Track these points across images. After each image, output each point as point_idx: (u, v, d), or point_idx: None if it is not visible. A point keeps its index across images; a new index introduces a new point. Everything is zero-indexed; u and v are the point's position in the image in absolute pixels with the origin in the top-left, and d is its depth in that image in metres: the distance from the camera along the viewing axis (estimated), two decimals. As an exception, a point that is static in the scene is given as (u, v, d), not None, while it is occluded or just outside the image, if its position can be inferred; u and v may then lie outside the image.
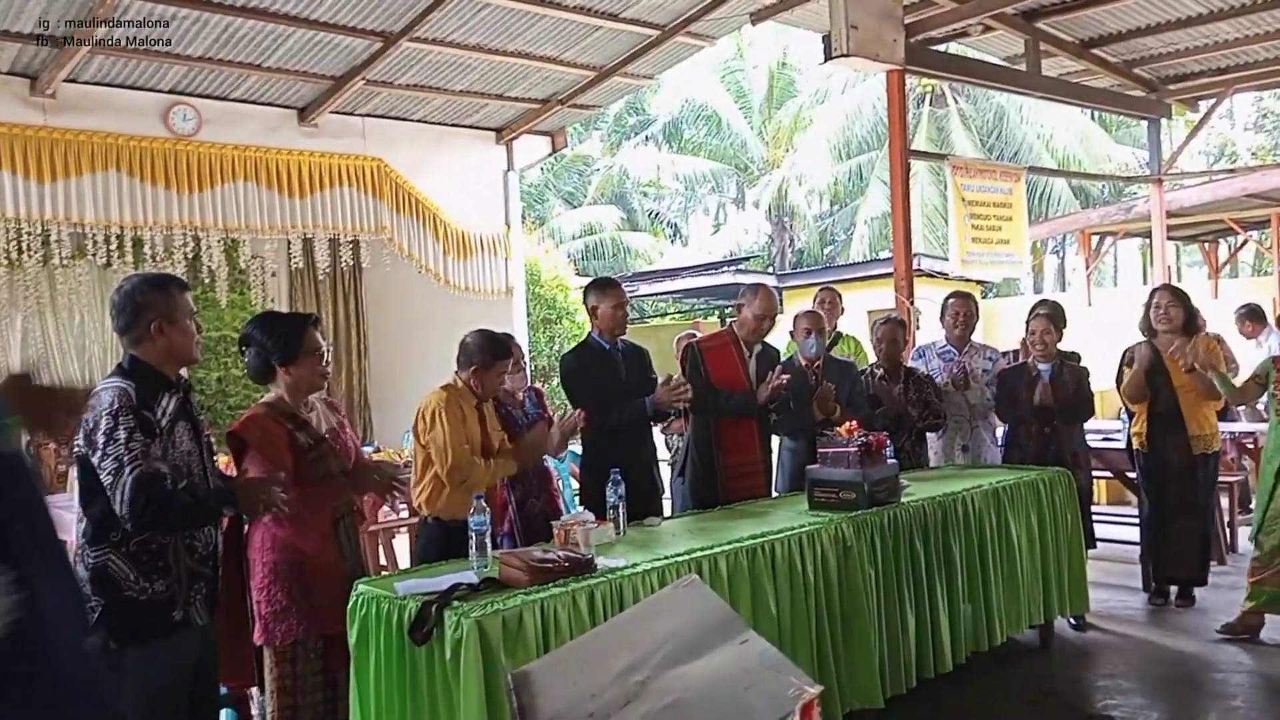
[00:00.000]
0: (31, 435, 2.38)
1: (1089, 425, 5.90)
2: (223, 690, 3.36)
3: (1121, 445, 6.32)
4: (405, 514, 6.45)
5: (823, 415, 4.90)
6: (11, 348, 8.22)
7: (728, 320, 5.49)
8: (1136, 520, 6.11)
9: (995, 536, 4.56)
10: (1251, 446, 7.15)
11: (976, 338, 6.09)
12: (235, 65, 7.63)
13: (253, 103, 8.29)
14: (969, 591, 4.37)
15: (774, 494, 5.03)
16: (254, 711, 3.74)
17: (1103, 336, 7.17)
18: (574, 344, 5.21)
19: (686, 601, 1.58)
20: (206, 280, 8.25)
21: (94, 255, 7.73)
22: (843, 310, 6.46)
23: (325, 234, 8.79)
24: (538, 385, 5.03)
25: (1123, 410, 6.72)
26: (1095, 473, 6.19)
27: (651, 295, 20.77)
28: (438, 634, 2.79)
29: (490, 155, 9.95)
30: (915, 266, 8.38)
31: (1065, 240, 24.81)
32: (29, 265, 7.94)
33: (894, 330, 5.60)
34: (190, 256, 8.13)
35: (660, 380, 4.56)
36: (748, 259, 24.10)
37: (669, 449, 6.21)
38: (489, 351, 3.98)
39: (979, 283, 14.82)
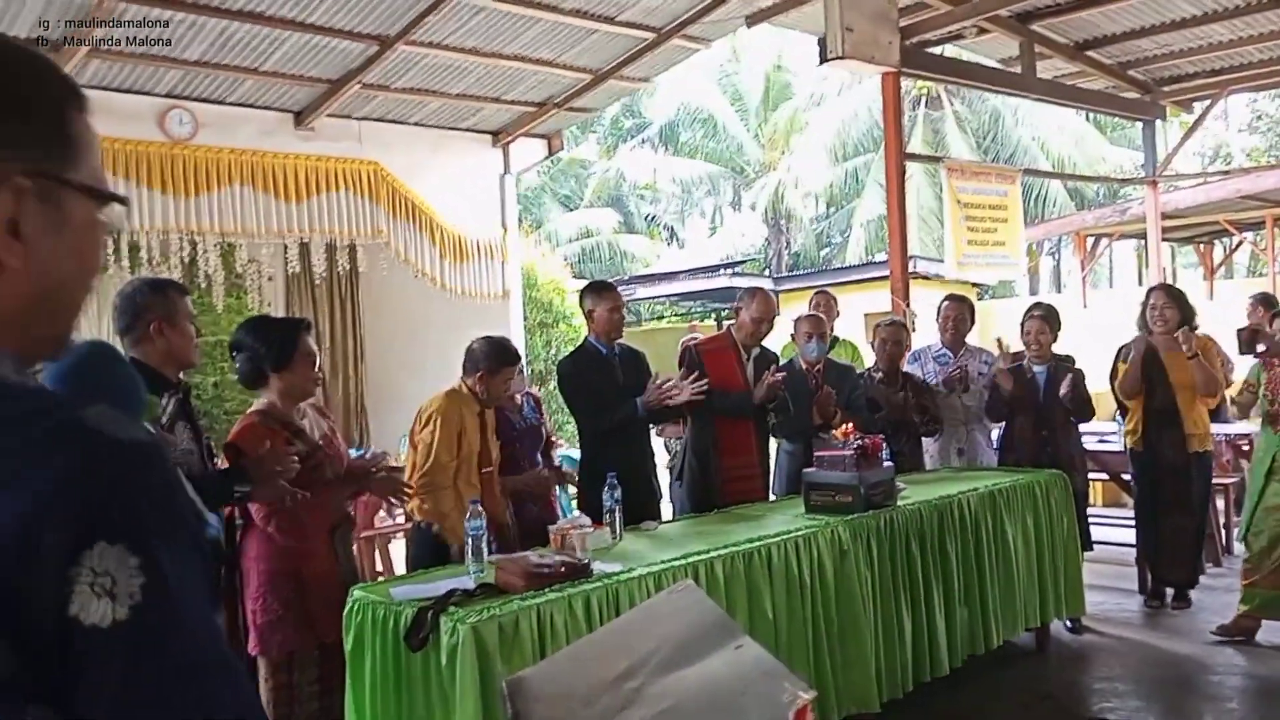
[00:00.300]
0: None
1: (1085, 428, 5.91)
2: None
3: (1117, 447, 6.34)
4: (401, 519, 6.44)
5: (823, 420, 4.91)
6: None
7: (725, 324, 5.49)
8: (1133, 522, 6.12)
9: (991, 539, 4.56)
10: (1247, 448, 7.17)
11: (972, 340, 6.11)
12: (231, 69, 7.63)
13: (249, 106, 8.28)
14: (965, 595, 4.38)
15: (772, 497, 5.04)
16: None
17: (1098, 338, 7.17)
18: (571, 348, 5.22)
19: (681, 606, 1.58)
20: (203, 285, 8.24)
21: (90, 260, 7.72)
22: (838, 313, 6.47)
23: (322, 238, 8.78)
24: (534, 390, 5.04)
25: (1118, 411, 6.74)
26: (1091, 475, 6.20)
27: (648, 298, 20.78)
28: (434, 640, 2.79)
29: (487, 158, 9.94)
30: (911, 269, 8.39)
31: (1061, 242, 24.84)
32: (25, 270, 7.92)
33: (897, 333, 5.61)
34: (186, 261, 8.12)
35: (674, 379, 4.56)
36: (744, 262, 24.13)
37: (668, 452, 6.22)
38: (496, 357, 3.99)
39: (975, 285, 14.85)
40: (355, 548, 5.58)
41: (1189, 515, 5.56)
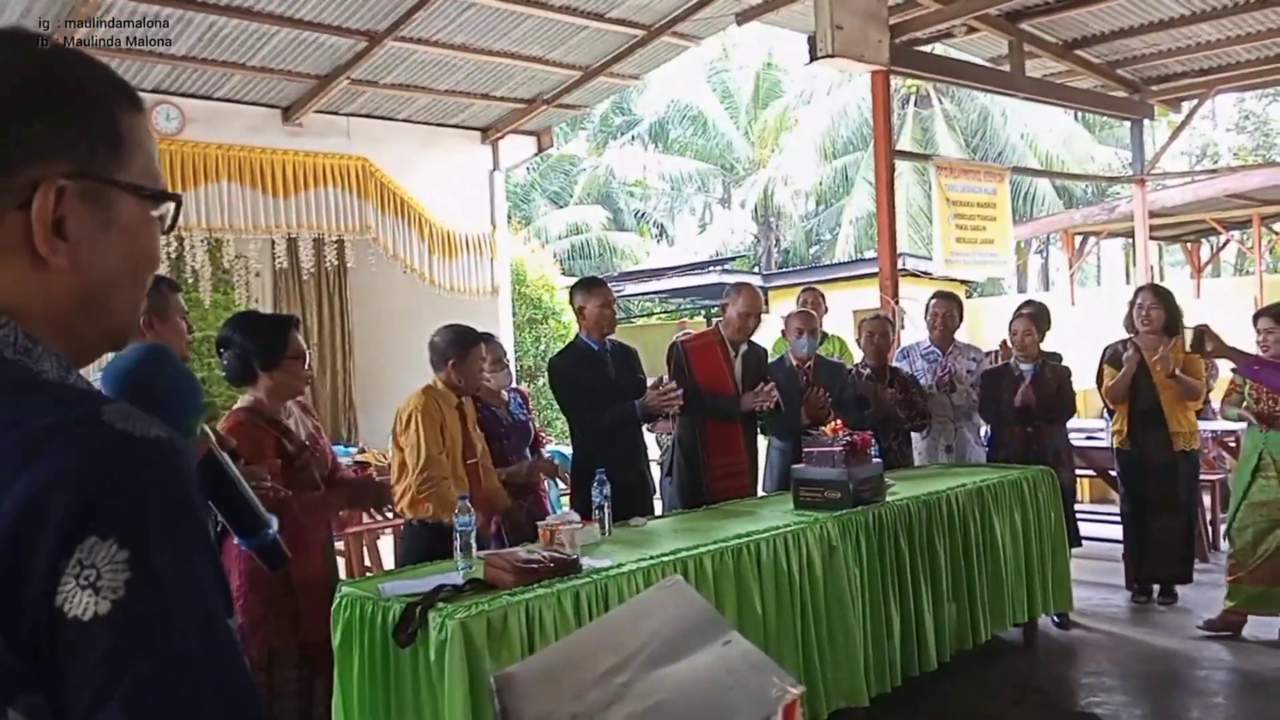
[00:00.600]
0: None
1: (1072, 424, 5.93)
2: None
3: (1104, 444, 6.37)
4: (389, 515, 6.42)
5: (813, 421, 4.90)
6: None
7: (714, 321, 5.48)
8: (1119, 518, 6.15)
9: (979, 535, 4.58)
10: (1233, 445, 7.20)
11: (961, 337, 6.12)
12: (219, 64, 7.59)
13: (237, 102, 8.24)
14: (953, 590, 4.39)
15: (761, 493, 5.04)
16: None
17: (1086, 336, 7.20)
18: (560, 344, 5.21)
19: (670, 602, 1.58)
20: (190, 280, 8.20)
21: (76, 255, 7.68)
22: (826, 309, 6.48)
23: (310, 234, 8.75)
24: (522, 387, 5.03)
25: (1104, 409, 6.77)
26: (1079, 472, 6.22)
27: (638, 295, 20.78)
28: (422, 635, 2.79)
29: (476, 155, 9.92)
30: (900, 266, 8.40)
31: (1049, 240, 24.93)
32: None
33: (882, 326, 5.61)
34: (173, 256, 8.08)
35: (650, 383, 4.56)
36: (734, 259, 24.13)
37: (660, 447, 6.22)
38: (461, 342, 3.97)
39: (963, 282, 14.88)
40: (344, 544, 5.59)
41: (1176, 514, 5.59)
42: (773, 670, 1.34)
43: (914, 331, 7.06)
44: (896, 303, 7.24)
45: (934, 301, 5.93)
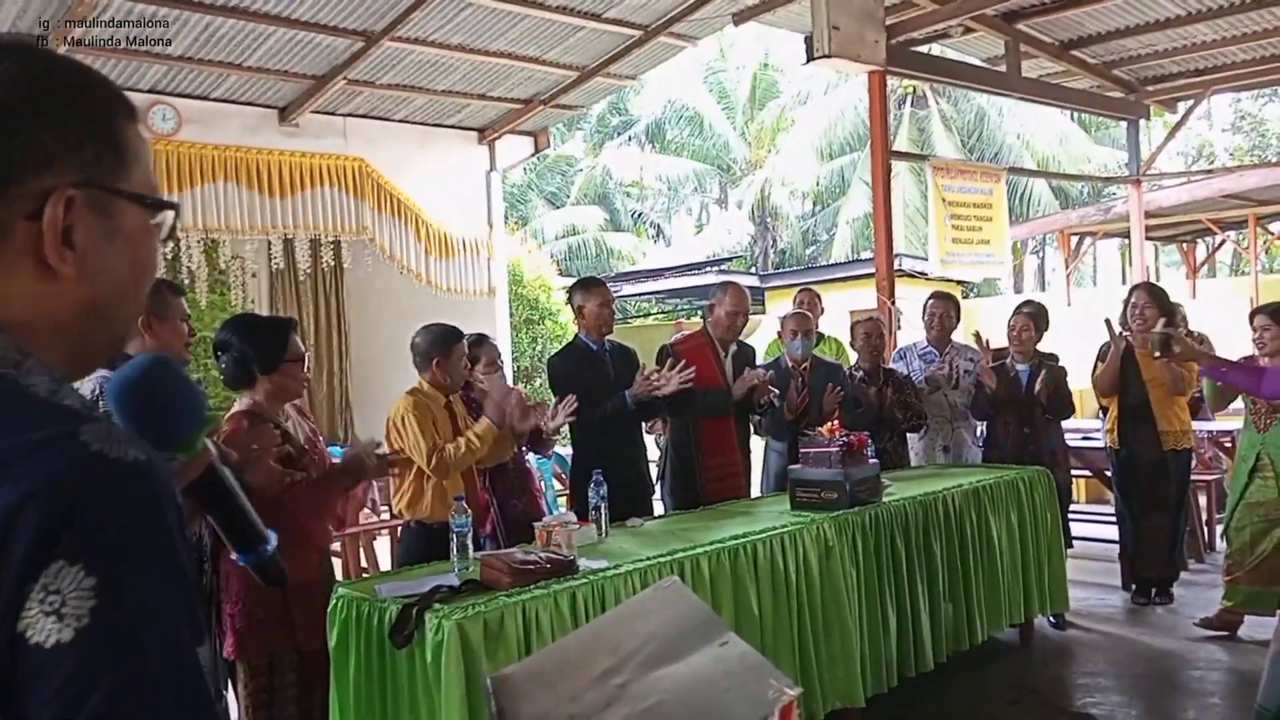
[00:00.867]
0: None
1: (1068, 424, 5.94)
2: None
3: (1100, 444, 6.38)
4: (386, 516, 6.42)
5: (790, 415, 4.89)
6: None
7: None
8: (1115, 518, 6.16)
9: (976, 536, 4.58)
10: (1229, 445, 7.22)
11: (958, 338, 6.12)
12: (216, 64, 7.59)
13: (233, 102, 8.24)
14: (950, 590, 4.40)
15: (756, 493, 5.04)
16: None
17: (1083, 336, 7.19)
18: (557, 345, 5.21)
19: (667, 603, 1.58)
20: (186, 281, 8.19)
21: (72, 256, 7.66)
22: (822, 310, 6.48)
23: (306, 234, 8.74)
24: (519, 388, 5.02)
25: (1100, 409, 6.78)
26: (1075, 471, 6.23)
27: (635, 295, 20.78)
28: (418, 637, 2.78)
29: (472, 155, 9.92)
30: (897, 267, 8.41)
31: (1045, 240, 24.95)
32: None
33: (875, 327, 5.61)
34: (169, 257, 8.07)
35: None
36: (730, 259, 24.13)
37: (659, 448, 6.21)
38: (442, 340, 3.96)
39: (960, 283, 14.89)
40: (340, 545, 5.58)
41: (1165, 513, 5.59)
42: (769, 671, 1.34)
43: (910, 332, 7.06)
44: (893, 303, 7.24)
45: (931, 302, 5.94)
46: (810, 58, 6.55)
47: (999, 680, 4.62)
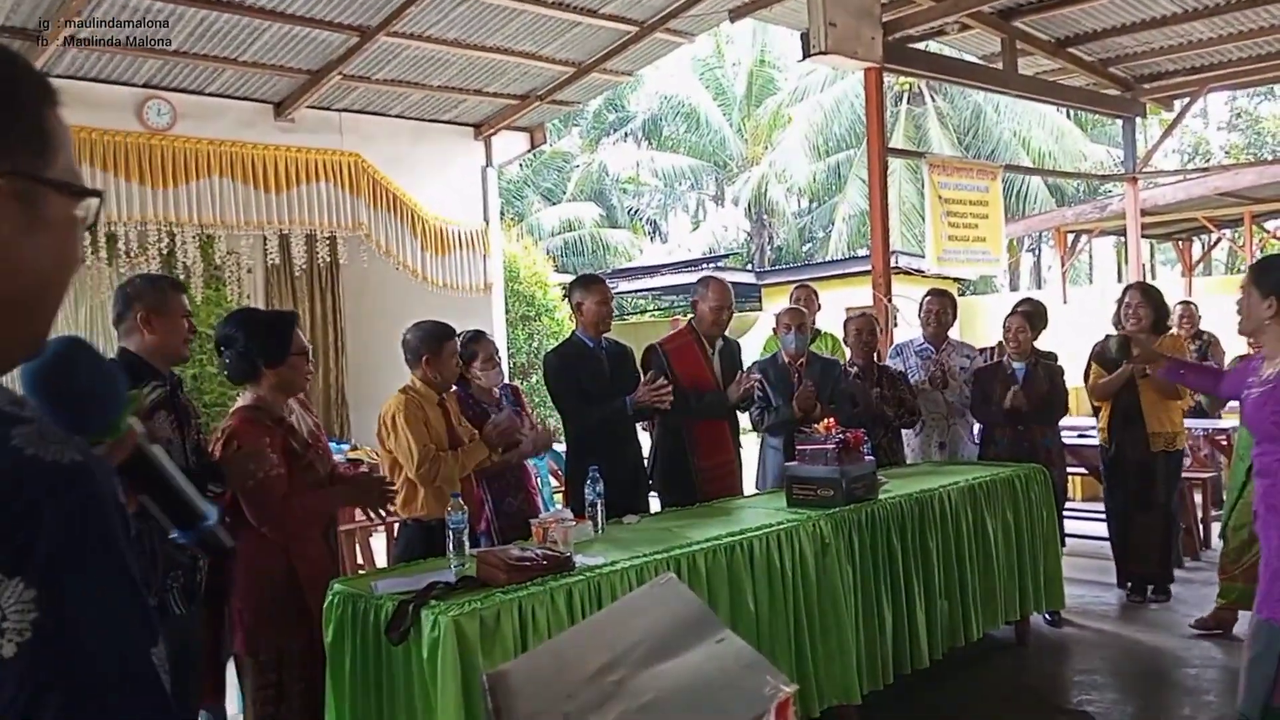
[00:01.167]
0: None
1: (1064, 422, 5.94)
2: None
3: (1095, 442, 6.38)
4: (380, 514, 6.40)
5: (802, 413, 4.88)
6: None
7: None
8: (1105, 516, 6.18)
9: (971, 533, 4.58)
10: (1225, 444, 7.22)
11: (953, 335, 6.13)
12: (211, 59, 7.56)
13: (228, 97, 8.21)
14: (946, 588, 4.40)
15: (752, 490, 5.04)
16: None
17: (1078, 334, 7.20)
18: (553, 341, 5.20)
19: (663, 600, 1.57)
20: (181, 276, 8.17)
21: (67, 251, 7.64)
22: (819, 307, 6.48)
23: (302, 230, 8.72)
24: (515, 383, 5.01)
25: (1093, 407, 6.79)
26: (1070, 470, 6.23)
27: (631, 292, 20.78)
28: (414, 633, 2.78)
29: (469, 151, 9.90)
30: (893, 264, 8.41)
31: (1041, 238, 25.00)
32: (0, 261, 7.84)
33: (868, 324, 5.60)
34: (165, 252, 8.05)
35: (643, 380, 4.54)
36: (727, 256, 24.17)
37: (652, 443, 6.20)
38: (433, 338, 3.96)
39: (956, 280, 14.91)
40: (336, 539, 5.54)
41: (1155, 515, 5.59)
42: (765, 668, 1.34)
43: (907, 329, 7.06)
44: (889, 300, 7.25)
45: (928, 299, 5.94)
46: (807, 54, 6.54)
47: (994, 678, 4.63)
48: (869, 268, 7.76)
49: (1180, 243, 16.59)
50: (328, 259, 9.37)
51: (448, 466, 3.78)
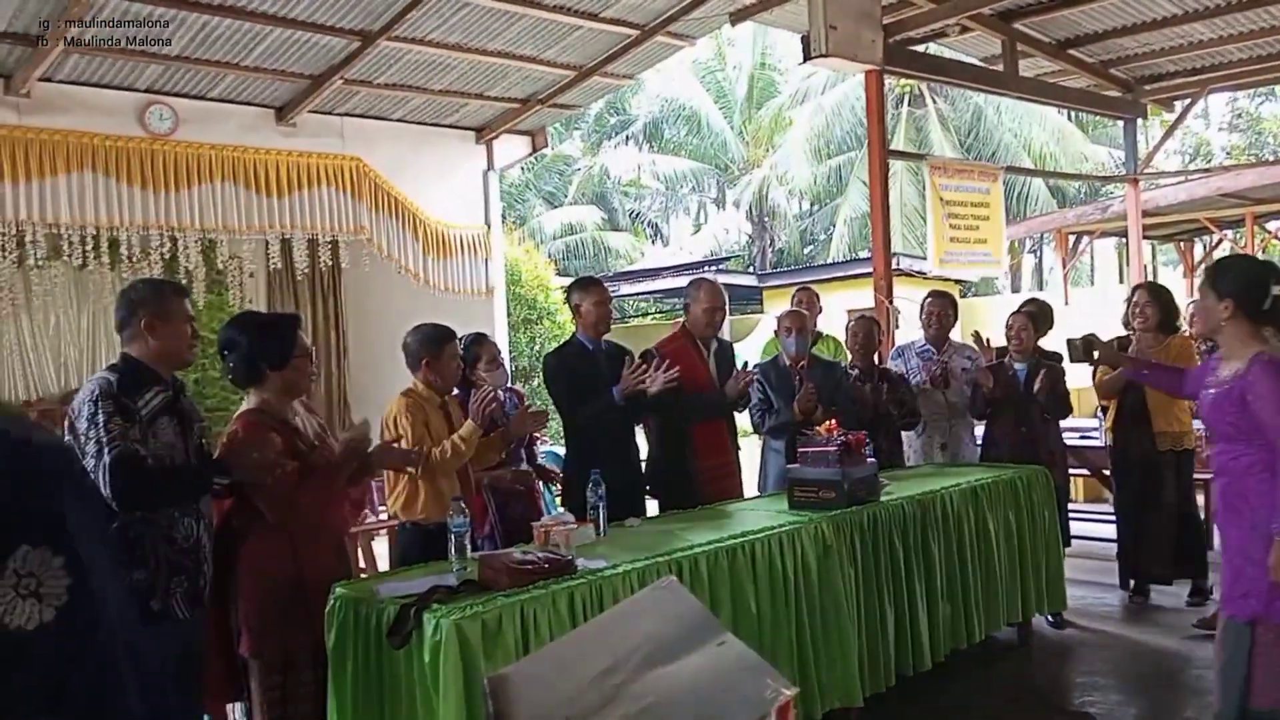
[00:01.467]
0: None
1: (1066, 423, 5.93)
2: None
3: (1098, 442, 6.38)
4: (385, 517, 6.41)
5: (803, 415, 4.88)
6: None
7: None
8: (1113, 518, 6.16)
9: (973, 534, 4.58)
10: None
11: (955, 337, 6.13)
12: (212, 64, 7.57)
13: (230, 102, 8.23)
14: (947, 589, 4.39)
15: (753, 492, 5.04)
16: None
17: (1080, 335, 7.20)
18: (555, 344, 5.20)
19: (664, 603, 1.58)
20: (184, 281, 8.18)
21: (70, 256, 7.65)
22: (820, 309, 6.48)
23: (304, 234, 8.73)
24: (517, 387, 5.02)
25: (1098, 408, 6.78)
26: (1072, 471, 6.22)
27: (633, 295, 20.79)
28: (416, 637, 2.78)
29: (470, 155, 9.91)
30: (894, 266, 8.41)
31: (1042, 239, 24.98)
32: (3, 267, 7.86)
33: (867, 326, 5.60)
34: (167, 257, 8.06)
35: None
36: (728, 259, 24.16)
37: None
38: (433, 340, 3.96)
39: (958, 282, 14.91)
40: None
41: (1161, 513, 5.57)
42: (766, 671, 1.35)
43: (909, 331, 7.06)
44: (891, 302, 7.25)
45: (929, 300, 5.94)
46: (807, 57, 6.54)
47: (997, 679, 4.62)
48: (870, 270, 7.76)
49: (1182, 244, 16.57)
50: (330, 263, 9.37)
51: (444, 455, 3.77)
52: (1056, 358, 5.70)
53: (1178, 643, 5.00)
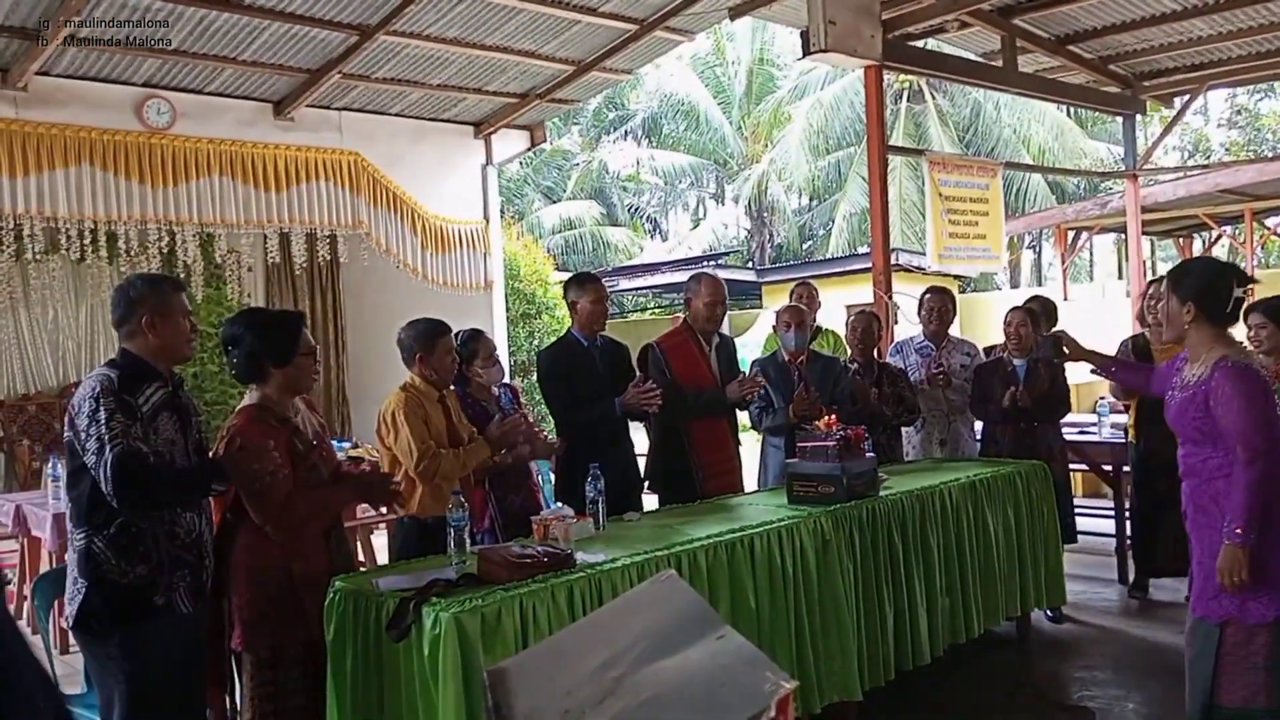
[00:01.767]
0: None
1: (1065, 419, 5.92)
2: None
3: (1096, 438, 6.37)
4: (383, 510, 6.40)
5: (797, 418, 4.86)
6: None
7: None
8: (1112, 513, 6.16)
9: (972, 530, 4.58)
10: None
11: (954, 332, 6.12)
12: (210, 58, 7.56)
13: (228, 96, 8.22)
14: (946, 584, 4.40)
15: (753, 489, 5.03)
16: None
17: (1079, 331, 7.19)
18: (553, 339, 5.19)
19: (663, 597, 1.58)
20: (182, 275, 8.18)
21: (68, 250, 7.65)
22: (819, 305, 6.47)
23: (302, 228, 8.73)
24: (514, 382, 5.01)
25: (1098, 402, 6.77)
26: (1071, 466, 6.21)
27: (631, 290, 20.79)
28: (415, 631, 2.78)
29: (469, 149, 9.91)
30: (893, 261, 8.41)
31: (1041, 235, 24.98)
32: (1, 261, 7.85)
33: (866, 322, 5.59)
34: (165, 251, 8.05)
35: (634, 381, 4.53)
36: (727, 254, 24.17)
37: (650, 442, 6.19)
38: (425, 335, 3.95)
39: (956, 278, 14.91)
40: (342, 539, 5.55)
41: (1178, 509, 5.53)
42: (765, 665, 1.34)
43: (907, 326, 7.06)
44: (890, 298, 7.25)
45: (929, 296, 5.93)
46: (806, 52, 6.54)
47: (996, 674, 4.63)
48: (869, 265, 7.76)
49: (1181, 240, 16.60)
50: (328, 257, 9.37)
51: (447, 464, 3.78)
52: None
53: (1176, 637, 4.99)
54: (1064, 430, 5.93)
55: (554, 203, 27.13)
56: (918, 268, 13.33)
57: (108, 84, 7.65)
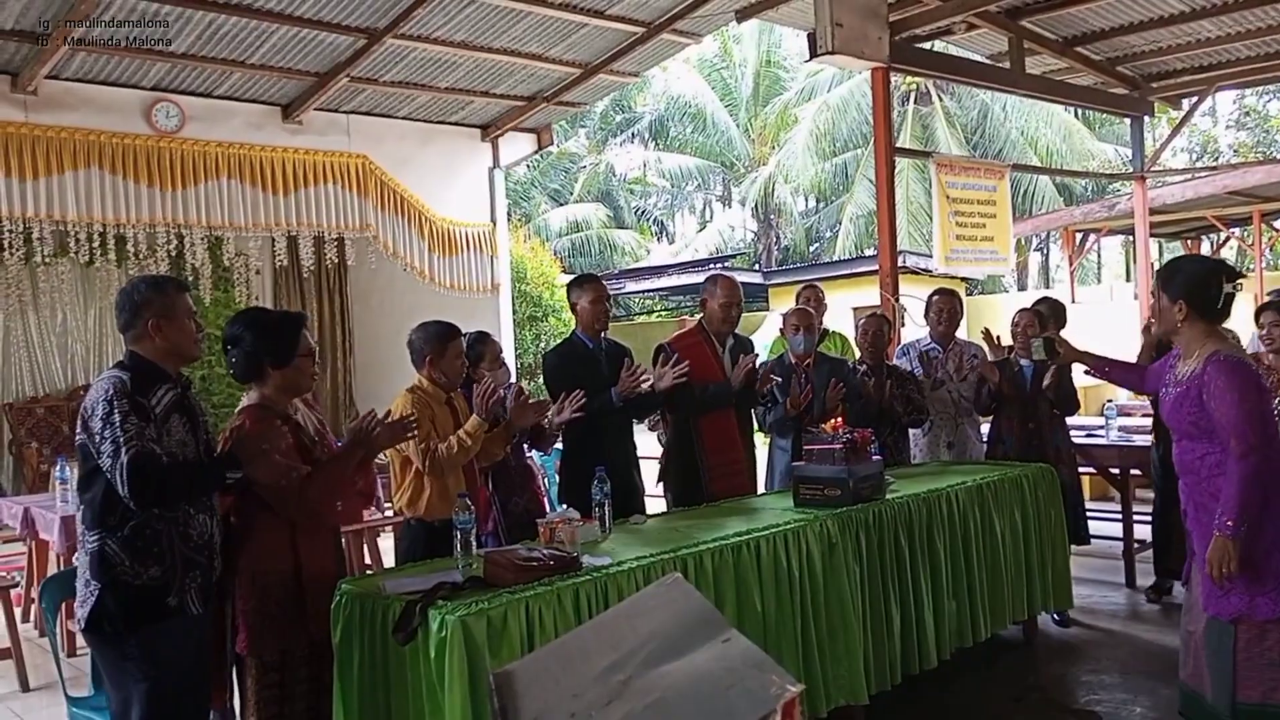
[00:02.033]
0: None
1: (1072, 421, 5.91)
2: None
3: (1104, 441, 6.35)
4: (390, 513, 6.42)
5: (793, 409, 4.84)
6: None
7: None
8: (1119, 516, 6.14)
9: (979, 532, 4.57)
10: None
11: (961, 335, 6.11)
12: (219, 62, 7.59)
13: (236, 99, 8.25)
14: (953, 588, 4.38)
15: (762, 491, 5.03)
16: None
17: (1087, 333, 7.19)
18: (559, 342, 5.20)
19: (669, 600, 1.58)
20: (190, 278, 8.21)
21: (76, 253, 7.68)
22: (826, 307, 6.47)
23: (310, 231, 8.76)
24: (521, 384, 5.02)
25: (1105, 405, 6.75)
26: (1080, 469, 6.19)
27: (638, 292, 20.80)
28: (422, 633, 2.78)
29: (476, 152, 9.93)
30: (900, 264, 8.40)
31: (1049, 237, 24.94)
32: (11, 263, 7.89)
33: (877, 324, 5.59)
34: (174, 254, 8.09)
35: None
36: (734, 256, 24.17)
37: (662, 446, 6.19)
38: (436, 338, 3.96)
39: (964, 280, 14.89)
40: (344, 541, 5.57)
41: None
42: (772, 668, 1.34)
43: (914, 329, 7.05)
44: (897, 300, 7.24)
45: (936, 297, 5.92)
46: (813, 54, 6.54)
47: (1002, 678, 4.61)
48: (876, 268, 7.75)
49: (1189, 241, 16.55)
50: (335, 260, 9.40)
51: (450, 451, 3.77)
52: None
53: (1184, 641, 4.98)
54: (1072, 433, 5.91)
55: (561, 205, 27.14)
56: (925, 270, 13.31)
57: (117, 88, 7.68)
